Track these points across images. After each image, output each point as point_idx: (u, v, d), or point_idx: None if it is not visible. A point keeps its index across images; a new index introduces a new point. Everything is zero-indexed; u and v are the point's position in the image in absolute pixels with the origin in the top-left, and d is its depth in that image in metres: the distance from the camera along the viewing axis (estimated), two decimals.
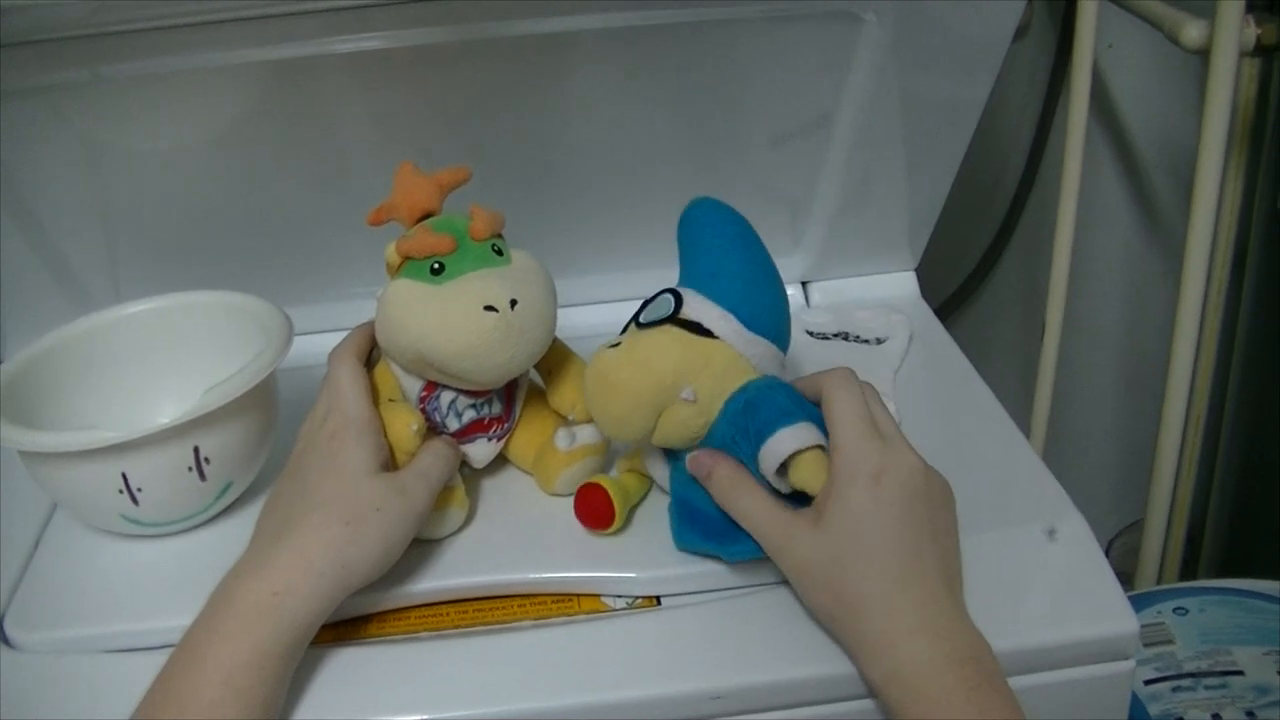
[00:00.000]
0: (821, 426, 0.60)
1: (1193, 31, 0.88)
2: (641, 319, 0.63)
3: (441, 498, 0.65)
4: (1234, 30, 0.86)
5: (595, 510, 0.66)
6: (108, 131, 0.75)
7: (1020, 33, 1.16)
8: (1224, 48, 0.86)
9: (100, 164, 0.77)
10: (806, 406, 0.61)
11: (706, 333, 0.61)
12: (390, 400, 0.67)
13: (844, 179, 0.84)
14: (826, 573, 0.57)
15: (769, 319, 0.63)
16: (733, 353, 0.61)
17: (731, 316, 0.61)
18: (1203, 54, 0.88)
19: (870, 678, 0.56)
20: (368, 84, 0.75)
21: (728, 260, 0.63)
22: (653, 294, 0.64)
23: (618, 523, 0.66)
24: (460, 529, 0.68)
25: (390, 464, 0.64)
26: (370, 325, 0.68)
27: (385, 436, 0.65)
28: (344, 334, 0.69)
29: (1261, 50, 0.90)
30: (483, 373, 0.65)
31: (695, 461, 0.62)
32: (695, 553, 0.65)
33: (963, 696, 0.53)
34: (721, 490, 0.61)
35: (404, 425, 0.64)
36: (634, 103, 0.78)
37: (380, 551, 0.60)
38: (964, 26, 0.75)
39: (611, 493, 0.65)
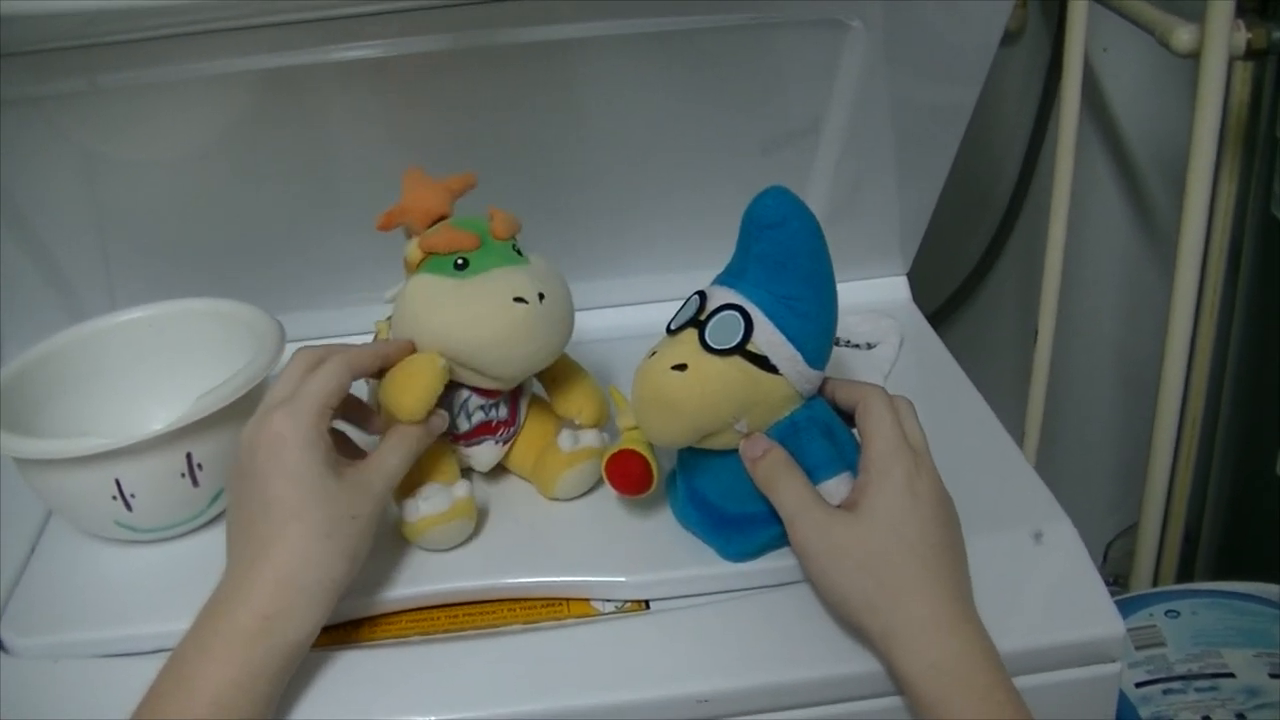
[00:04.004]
0: (850, 459, 0.62)
1: (1183, 36, 0.89)
2: (709, 339, 0.60)
3: (451, 510, 0.65)
4: (1224, 34, 0.86)
5: (632, 475, 0.66)
6: (103, 141, 0.75)
7: (1015, 37, 1.16)
8: (1214, 52, 0.87)
9: (96, 173, 0.77)
10: (840, 444, 0.63)
11: (771, 368, 0.60)
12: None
13: (834, 184, 0.85)
14: (867, 556, 0.58)
15: (827, 353, 0.63)
16: (790, 390, 0.61)
17: (799, 357, 0.60)
18: (1193, 58, 0.89)
19: (906, 669, 0.56)
20: (360, 93, 0.75)
21: (810, 291, 0.61)
22: (718, 304, 0.61)
23: (654, 486, 0.66)
24: (469, 539, 0.68)
25: (337, 454, 0.61)
26: (378, 354, 0.65)
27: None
28: (335, 341, 0.68)
29: (1252, 54, 0.90)
30: (509, 364, 0.65)
31: (750, 444, 0.62)
32: (692, 533, 0.67)
33: (1003, 693, 0.54)
34: (766, 473, 0.61)
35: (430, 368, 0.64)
36: (625, 110, 0.79)
37: (356, 555, 0.60)
38: (951, 32, 0.75)
39: (648, 456, 0.65)
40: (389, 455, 0.63)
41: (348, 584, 0.60)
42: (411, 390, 0.64)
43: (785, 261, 0.60)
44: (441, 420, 0.67)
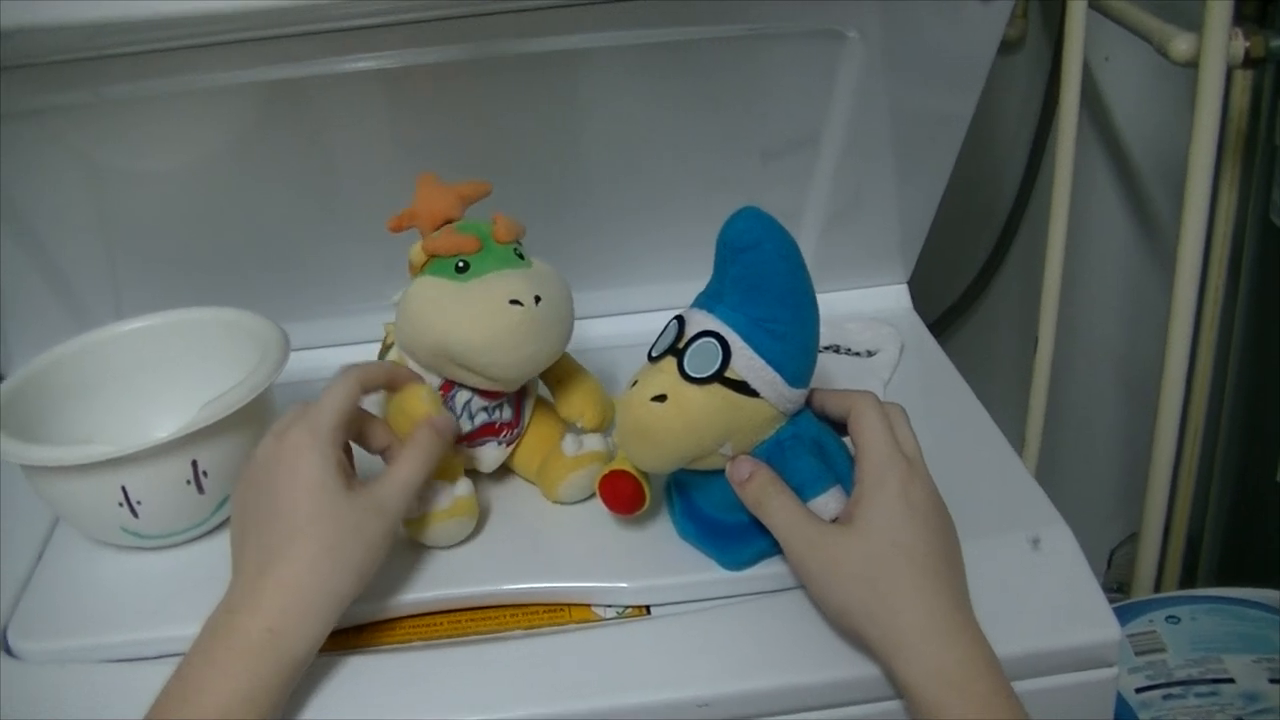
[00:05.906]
0: (839, 472, 0.62)
1: (1181, 45, 0.89)
2: (687, 368, 0.60)
3: (452, 508, 0.66)
4: (1221, 43, 0.86)
5: (625, 495, 0.66)
6: (108, 151, 0.76)
7: (1016, 46, 1.16)
8: (1212, 60, 0.87)
9: (101, 183, 0.78)
10: (830, 457, 0.63)
11: (752, 392, 0.60)
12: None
13: (833, 192, 0.85)
14: (863, 568, 0.58)
15: (809, 371, 0.63)
16: (773, 411, 0.61)
17: (779, 379, 0.60)
18: (1192, 67, 0.89)
19: (906, 675, 0.56)
20: (364, 103, 0.76)
21: (787, 312, 0.61)
22: (696, 331, 0.61)
23: (646, 505, 0.66)
24: (470, 537, 0.68)
25: (351, 471, 0.63)
26: (387, 370, 0.68)
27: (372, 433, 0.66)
28: (339, 350, 0.69)
29: (1251, 62, 0.90)
30: (505, 367, 0.66)
31: (736, 467, 0.62)
32: (692, 545, 0.67)
33: (1003, 699, 0.55)
34: (755, 496, 0.62)
35: (418, 398, 0.66)
36: (626, 119, 0.80)
37: (363, 572, 0.60)
38: (947, 42, 0.76)
39: (638, 476, 0.66)
40: (402, 467, 0.63)
41: (350, 596, 0.60)
42: (413, 410, 0.65)
43: (760, 284, 0.60)
44: (448, 420, 0.67)
